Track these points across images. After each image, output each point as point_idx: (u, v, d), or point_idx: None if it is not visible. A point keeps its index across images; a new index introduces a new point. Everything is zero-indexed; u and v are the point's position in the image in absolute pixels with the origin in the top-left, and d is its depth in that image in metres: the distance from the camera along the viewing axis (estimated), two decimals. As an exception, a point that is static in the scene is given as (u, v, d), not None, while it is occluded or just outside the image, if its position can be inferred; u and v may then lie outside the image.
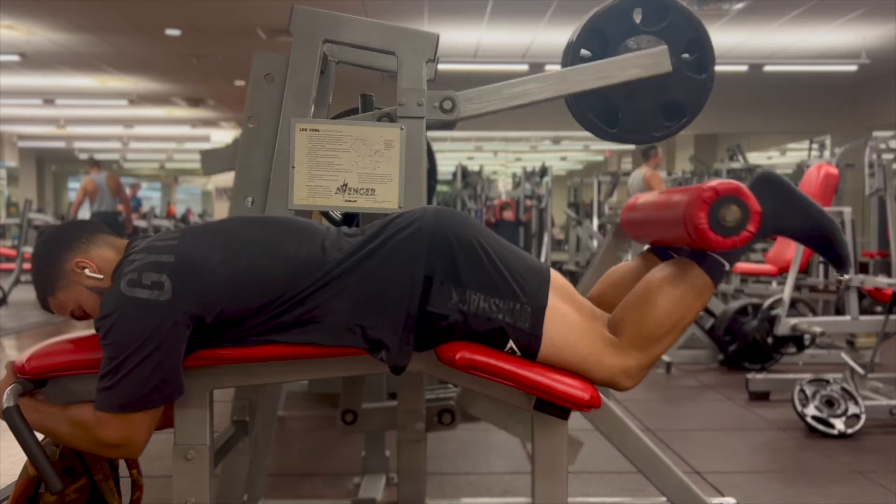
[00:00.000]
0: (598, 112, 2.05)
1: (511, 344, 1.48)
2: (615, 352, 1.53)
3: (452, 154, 19.89)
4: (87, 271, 1.52)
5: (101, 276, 1.53)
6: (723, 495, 2.70)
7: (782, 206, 1.64)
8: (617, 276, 1.82)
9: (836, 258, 1.66)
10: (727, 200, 1.49)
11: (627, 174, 11.89)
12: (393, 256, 1.48)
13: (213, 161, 1.92)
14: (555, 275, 1.57)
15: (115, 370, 1.40)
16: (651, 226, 1.79)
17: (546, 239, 10.47)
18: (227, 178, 15.52)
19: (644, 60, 1.91)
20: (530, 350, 1.49)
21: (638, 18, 2.02)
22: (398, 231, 1.51)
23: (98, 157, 22.64)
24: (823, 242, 1.66)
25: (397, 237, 1.50)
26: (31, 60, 10.20)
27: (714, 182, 1.51)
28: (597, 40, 2.02)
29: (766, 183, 1.65)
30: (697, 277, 1.57)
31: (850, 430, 3.44)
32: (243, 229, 1.55)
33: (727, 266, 1.59)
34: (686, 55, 2.02)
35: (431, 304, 1.46)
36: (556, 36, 9.28)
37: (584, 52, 2.04)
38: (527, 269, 1.52)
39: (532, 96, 1.89)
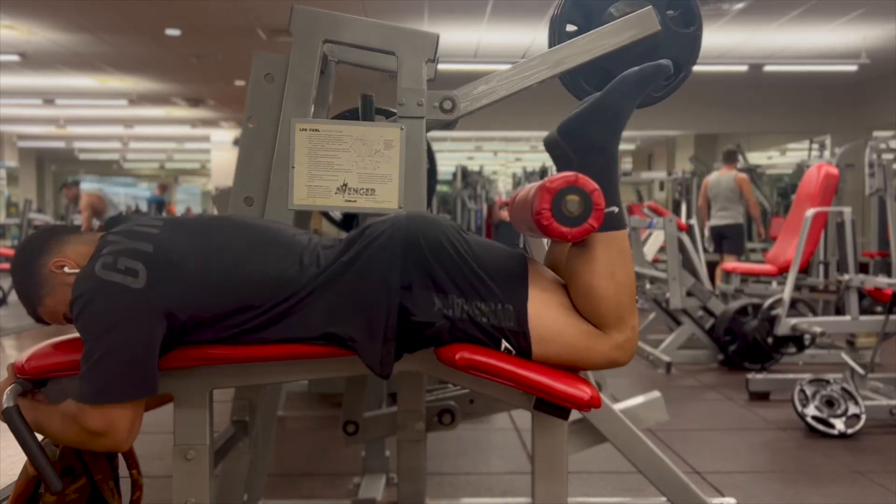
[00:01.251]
0: (594, 84, 2.04)
1: (505, 344, 1.48)
2: (600, 333, 1.51)
3: (452, 154, 19.88)
4: (65, 269, 1.52)
5: (80, 270, 1.52)
6: (723, 495, 2.70)
7: (595, 131, 1.55)
8: (556, 253, 1.78)
9: (654, 73, 1.56)
10: (562, 195, 1.45)
11: (627, 174, 11.90)
12: (368, 267, 1.47)
13: (226, 201, 1.92)
14: (532, 264, 1.56)
15: (87, 356, 1.40)
16: (525, 228, 1.74)
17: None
18: (227, 178, 15.50)
19: (632, 24, 1.90)
20: (523, 347, 1.49)
21: None
22: (371, 242, 1.49)
23: (98, 157, 22.65)
24: (639, 84, 1.57)
25: (370, 248, 1.49)
26: (31, 60, 10.20)
27: (543, 183, 1.47)
28: (581, 12, 2.02)
29: (564, 137, 1.58)
30: (606, 240, 1.51)
31: (850, 430, 3.44)
32: (226, 232, 1.54)
33: (616, 209, 1.52)
34: (671, 12, 2.02)
35: (416, 313, 1.45)
36: (556, 36, 9.26)
37: (569, 28, 2.03)
38: (503, 265, 1.51)
39: (530, 79, 1.88)
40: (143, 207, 18.29)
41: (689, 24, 2.02)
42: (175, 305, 1.43)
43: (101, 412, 1.42)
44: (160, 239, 1.48)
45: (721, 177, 7.83)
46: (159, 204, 14.40)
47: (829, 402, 3.53)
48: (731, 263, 6.87)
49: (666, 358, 5.07)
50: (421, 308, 1.45)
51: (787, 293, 4.41)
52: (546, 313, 1.49)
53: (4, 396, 1.46)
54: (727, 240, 7.71)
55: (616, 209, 1.52)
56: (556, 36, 2.02)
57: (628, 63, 1.98)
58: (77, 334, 1.57)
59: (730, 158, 7.94)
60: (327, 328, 1.47)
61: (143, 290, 1.41)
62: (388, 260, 1.47)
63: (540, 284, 1.52)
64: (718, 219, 7.77)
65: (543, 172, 11.74)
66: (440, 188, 13.89)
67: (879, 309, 4.45)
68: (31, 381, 1.52)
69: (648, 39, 1.90)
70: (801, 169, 8.46)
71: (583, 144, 1.56)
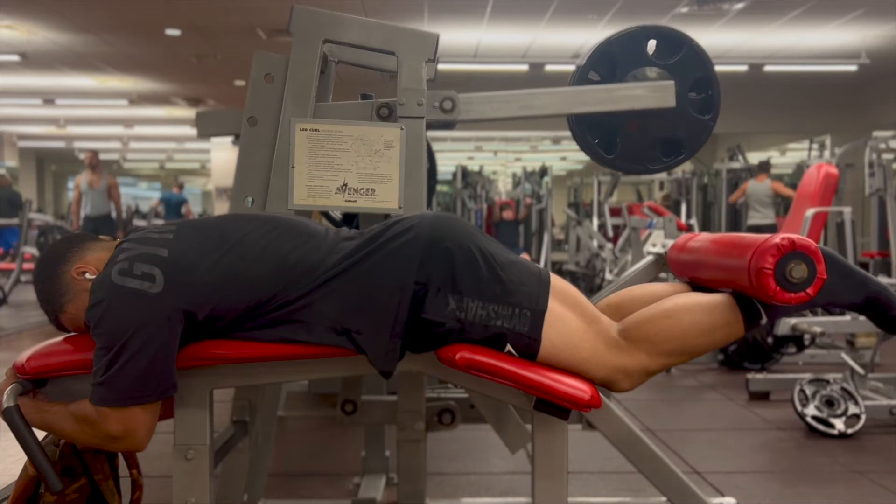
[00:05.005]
0: (597, 136, 2.05)
1: (509, 347, 1.48)
2: (618, 352, 1.52)
3: (452, 154, 19.89)
4: (87, 275, 1.52)
5: (96, 277, 1.52)
6: (723, 495, 2.70)
7: (838, 280, 1.59)
8: (642, 292, 1.79)
9: (889, 323, 1.61)
10: (798, 256, 1.47)
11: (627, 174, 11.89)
12: (385, 262, 1.47)
13: (208, 124, 1.91)
14: (556, 279, 1.56)
15: (108, 365, 1.40)
16: (704, 268, 1.74)
17: (546, 239, 10.47)
18: (227, 178, 15.52)
19: (649, 92, 1.91)
20: (529, 352, 1.49)
21: (651, 50, 2.02)
22: (394, 237, 1.50)
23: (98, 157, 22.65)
24: (878, 310, 1.61)
25: (393, 243, 1.49)
26: (31, 60, 10.20)
27: (791, 235, 1.49)
28: (607, 65, 2.02)
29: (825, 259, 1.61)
30: (732, 316, 1.53)
31: (850, 430, 3.43)
32: (241, 228, 1.54)
33: (764, 319, 1.55)
34: (693, 94, 2.02)
35: (427, 311, 1.45)
36: (556, 36, 9.28)
37: (591, 76, 2.04)
38: (527, 275, 1.51)
39: (537, 110, 1.90)
40: (144, 208, 18.23)
41: (705, 111, 2.02)
42: (194, 306, 1.43)
43: (122, 415, 1.42)
44: (175, 243, 1.48)
45: (757, 184, 9.05)
46: (179, 204, 14.12)
47: (829, 402, 3.53)
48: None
49: (666, 358, 5.07)
50: (433, 307, 1.45)
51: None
52: (563, 325, 1.49)
53: (5, 396, 1.46)
54: None
55: (765, 320, 1.55)
56: (577, 80, 2.03)
57: (635, 125, 1.98)
58: (76, 334, 1.58)
59: (764, 168, 9.13)
60: (337, 318, 1.47)
61: (161, 294, 1.41)
62: (407, 256, 1.47)
63: (562, 299, 1.53)
64: (757, 219, 8.96)
65: (543, 173, 11.76)
66: (440, 188, 13.89)
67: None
68: (32, 380, 1.52)
69: (661, 111, 1.91)
70: (801, 169, 8.54)
71: (827, 273, 1.53)
